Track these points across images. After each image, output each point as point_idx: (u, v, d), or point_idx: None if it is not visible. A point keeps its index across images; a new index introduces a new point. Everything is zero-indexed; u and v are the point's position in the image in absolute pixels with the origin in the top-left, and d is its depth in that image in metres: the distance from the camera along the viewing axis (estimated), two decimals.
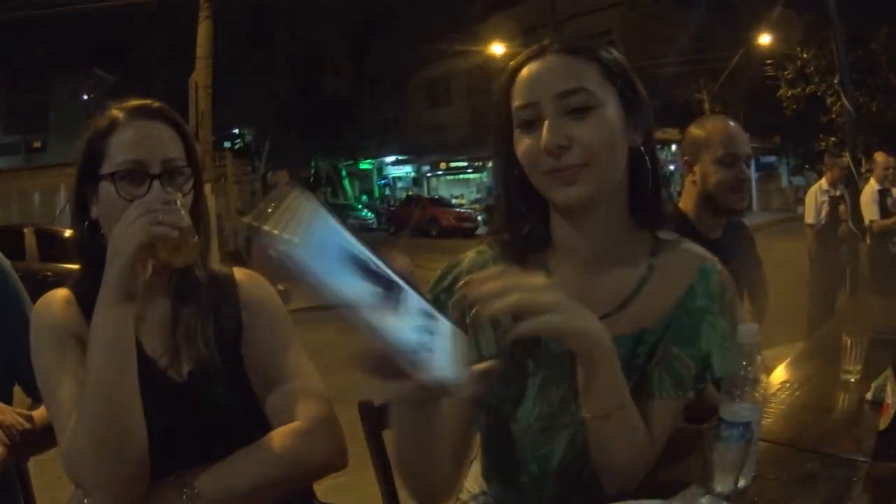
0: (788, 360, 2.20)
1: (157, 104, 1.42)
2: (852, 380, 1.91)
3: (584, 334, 1.08)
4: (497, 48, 21.38)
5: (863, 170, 9.37)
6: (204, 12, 11.84)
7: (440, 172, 36.07)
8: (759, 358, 1.17)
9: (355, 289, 0.77)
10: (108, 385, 1.18)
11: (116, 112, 1.39)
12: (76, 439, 1.19)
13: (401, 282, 0.83)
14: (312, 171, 34.63)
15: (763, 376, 1.18)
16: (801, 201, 8.12)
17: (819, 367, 2.08)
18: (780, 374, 2.03)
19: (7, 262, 1.75)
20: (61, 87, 29.54)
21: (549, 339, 1.11)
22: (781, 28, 19.14)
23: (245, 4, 19.32)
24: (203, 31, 11.82)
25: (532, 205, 1.31)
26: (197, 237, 1.28)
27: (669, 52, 20.74)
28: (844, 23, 9.34)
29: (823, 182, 7.03)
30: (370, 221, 32.62)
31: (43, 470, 1.88)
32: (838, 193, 6.91)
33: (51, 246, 9.99)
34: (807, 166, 25.66)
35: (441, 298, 1.33)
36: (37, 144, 31.03)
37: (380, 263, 0.82)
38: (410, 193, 34.66)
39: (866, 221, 6.81)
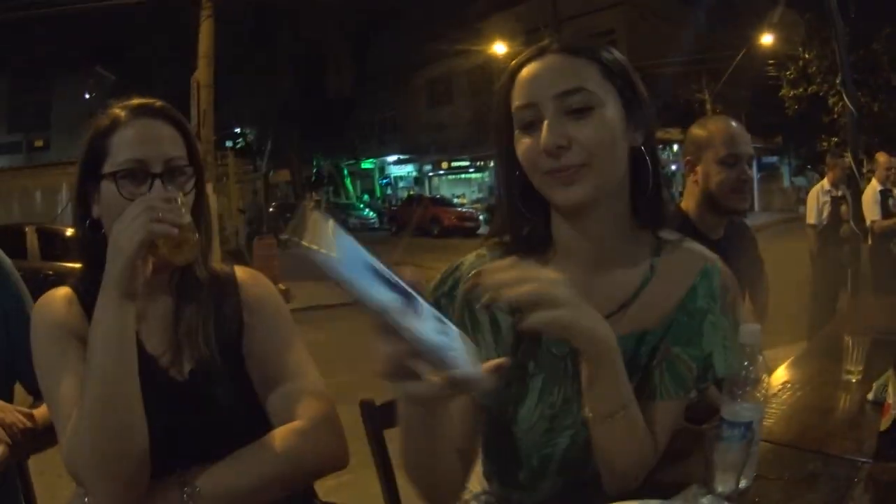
0: (790, 360, 2.21)
1: (159, 103, 1.42)
2: (854, 380, 1.91)
3: (592, 332, 1.09)
4: (499, 47, 21.38)
5: (864, 170, 9.35)
6: (206, 11, 11.84)
7: (442, 172, 36.08)
8: (760, 358, 1.17)
9: (383, 296, 0.84)
10: (108, 383, 1.18)
11: (118, 111, 1.39)
12: (76, 437, 1.19)
13: (412, 291, 0.87)
14: (314, 171, 34.65)
15: (764, 376, 1.18)
16: (803, 201, 8.13)
17: (820, 368, 2.08)
18: (781, 375, 2.03)
19: (8, 261, 1.75)
20: (63, 85, 29.57)
21: (555, 336, 1.11)
22: (784, 28, 19.12)
23: (248, 5, 19.32)
24: (205, 29, 11.82)
25: (533, 205, 1.30)
26: (197, 235, 1.28)
27: (672, 51, 20.71)
28: (846, 23, 9.35)
29: (825, 182, 7.02)
30: (372, 221, 32.65)
31: (44, 468, 1.88)
32: (840, 194, 6.91)
33: (52, 245, 10.00)
34: (809, 166, 25.63)
35: (442, 302, 1.33)
36: (39, 143, 31.06)
37: (393, 274, 0.86)
38: (412, 193, 34.69)
39: (868, 222, 6.80)
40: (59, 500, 1.50)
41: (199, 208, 1.42)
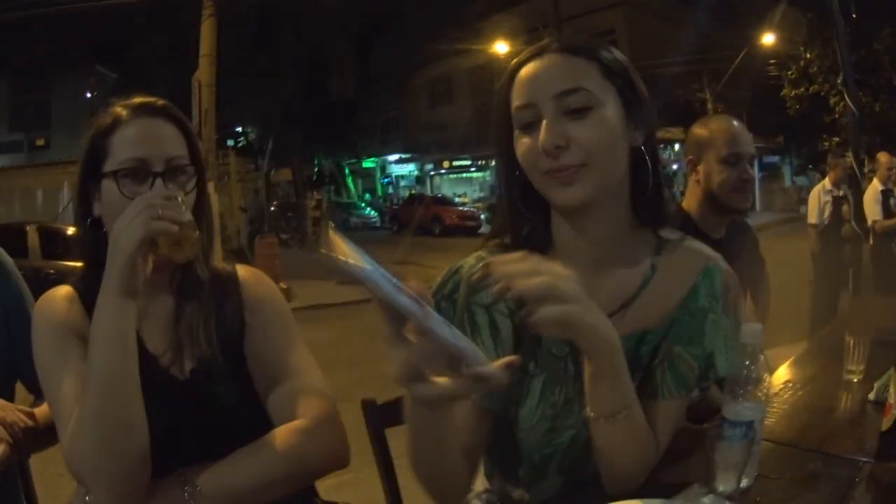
0: (791, 359, 2.20)
1: (160, 102, 1.42)
2: (855, 380, 1.91)
3: (597, 330, 1.09)
4: (500, 47, 21.37)
5: (866, 170, 9.34)
6: (207, 10, 11.83)
7: (443, 171, 36.10)
8: (761, 357, 1.17)
9: (405, 303, 0.89)
10: (109, 382, 1.18)
11: (120, 109, 1.39)
12: (77, 436, 1.19)
13: (420, 300, 0.91)
14: (315, 170, 34.65)
15: (766, 376, 1.18)
16: (805, 201, 8.13)
17: (822, 367, 2.08)
18: (782, 374, 2.03)
19: (10, 260, 1.75)
20: (64, 85, 29.52)
21: (559, 333, 1.11)
22: (785, 27, 19.12)
23: (251, 7, 19.32)
24: (207, 29, 11.81)
25: (533, 205, 1.30)
26: (198, 232, 1.27)
27: (673, 51, 20.71)
28: (848, 23, 9.34)
29: (827, 182, 7.02)
30: (373, 220, 32.67)
31: (45, 467, 1.88)
32: (841, 193, 6.91)
33: (53, 243, 10.02)
34: (810, 166, 25.65)
35: (442, 305, 1.32)
36: (40, 142, 31.02)
37: (401, 284, 0.91)
38: (413, 192, 34.68)
39: (869, 221, 6.81)
40: (60, 499, 1.50)
41: (200, 207, 1.42)
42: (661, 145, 1.32)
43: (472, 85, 29.68)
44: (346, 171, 37.80)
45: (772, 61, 20.75)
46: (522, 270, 1.02)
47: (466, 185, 35.13)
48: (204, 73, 11.59)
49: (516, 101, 1.25)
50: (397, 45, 28.67)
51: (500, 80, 1.29)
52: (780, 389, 1.87)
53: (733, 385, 1.17)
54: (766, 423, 1.30)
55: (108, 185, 1.35)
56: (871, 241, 6.86)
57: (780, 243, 8.16)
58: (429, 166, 36.44)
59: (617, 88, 1.24)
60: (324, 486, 1.58)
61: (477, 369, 0.92)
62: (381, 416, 1.66)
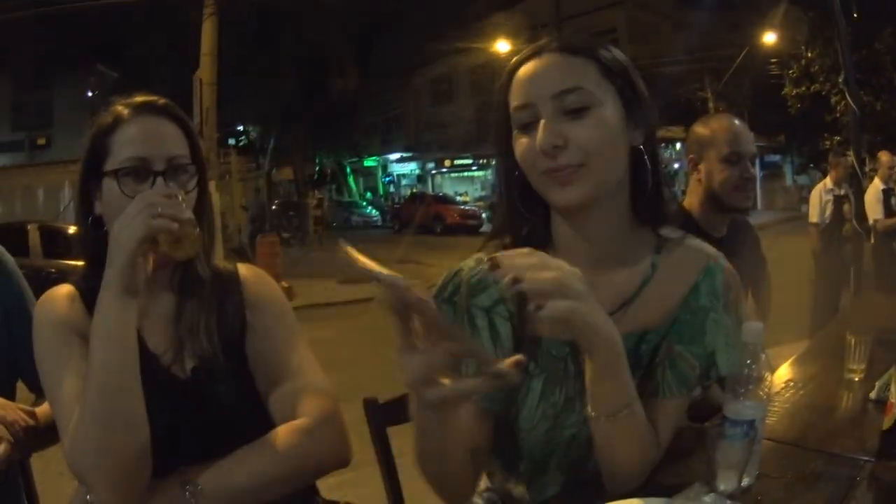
0: (792, 358, 2.20)
1: (162, 100, 1.42)
2: (856, 379, 1.91)
3: (600, 328, 1.08)
4: (502, 46, 21.36)
5: (867, 169, 9.34)
6: (209, 9, 11.82)
7: (444, 170, 36.11)
8: (763, 356, 1.17)
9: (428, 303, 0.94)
10: (109, 380, 1.18)
11: (121, 108, 1.39)
12: (78, 435, 1.19)
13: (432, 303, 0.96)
14: (317, 169, 34.64)
15: (767, 375, 1.18)
16: (806, 200, 8.11)
17: (823, 366, 2.08)
18: (783, 373, 2.03)
19: (11, 259, 1.75)
20: (65, 84, 29.52)
21: (562, 331, 1.11)
22: (786, 27, 19.11)
23: (252, 6, 19.30)
24: (208, 27, 11.80)
25: (532, 205, 1.30)
26: (198, 229, 1.27)
27: (674, 50, 20.72)
28: (849, 23, 9.33)
29: (828, 181, 7.03)
30: (374, 219, 32.69)
31: (46, 466, 1.88)
32: (843, 192, 6.91)
33: (54, 242, 10.02)
34: (811, 165, 25.65)
35: (442, 308, 1.32)
36: (41, 141, 31.02)
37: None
38: (415, 191, 34.71)
39: (870, 220, 6.81)
40: (61, 498, 1.50)
41: (201, 206, 1.42)
42: (662, 144, 1.32)
43: (473, 84, 29.73)
44: (348, 169, 37.79)
45: (773, 60, 20.75)
46: (533, 264, 1.02)
47: (468, 183, 35.15)
48: (205, 71, 11.58)
49: (514, 101, 1.24)
50: (398, 44, 28.64)
51: (500, 80, 1.29)
52: (782, 388, 1.87)
53: (734, 384, 1.17)
54: (767, 421, 1.30)
55: (109, 184, 1.35)
56: (873, 241, 6.86)
57: (781, 242, 8.14)
58: (430, 165, 36.45)
59: (616, 88, 1.23)
60: (325, 485, 1.58)
61: (496, 368, 0.95)
62: (382, 415, 1.66)
